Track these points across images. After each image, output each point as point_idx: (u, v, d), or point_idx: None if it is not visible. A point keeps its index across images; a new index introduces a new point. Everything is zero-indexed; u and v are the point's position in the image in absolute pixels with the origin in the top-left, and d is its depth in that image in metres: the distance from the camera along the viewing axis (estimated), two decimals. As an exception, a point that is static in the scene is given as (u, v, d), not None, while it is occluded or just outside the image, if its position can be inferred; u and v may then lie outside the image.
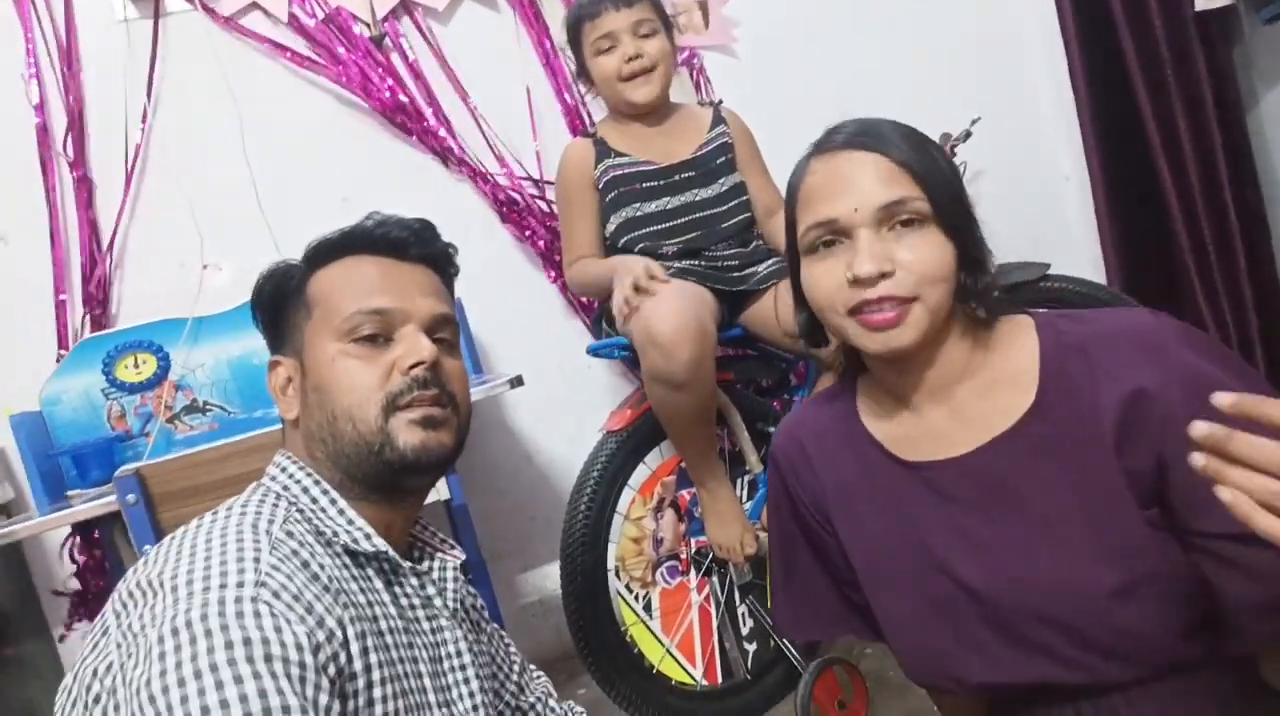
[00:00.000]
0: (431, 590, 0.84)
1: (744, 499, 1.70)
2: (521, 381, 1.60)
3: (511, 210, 2.14)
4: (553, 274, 2.16)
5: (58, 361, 1.88)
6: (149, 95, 1.98)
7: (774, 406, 1.78)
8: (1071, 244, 2.43)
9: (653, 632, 1.65)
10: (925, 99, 2.34)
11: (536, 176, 2.14)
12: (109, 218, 1.96)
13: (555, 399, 2.13)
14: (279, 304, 0.86)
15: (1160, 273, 2.31)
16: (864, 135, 0.85)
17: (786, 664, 1.71)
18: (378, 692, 0.71)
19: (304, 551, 0.72)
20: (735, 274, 1.66)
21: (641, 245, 1.65)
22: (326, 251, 0.86)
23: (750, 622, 1.71)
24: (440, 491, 1.65)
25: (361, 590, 0.75)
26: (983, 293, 0.85)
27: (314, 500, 0.79)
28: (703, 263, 1.66)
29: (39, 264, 1.93)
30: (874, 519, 0.90)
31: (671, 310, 1.45)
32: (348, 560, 0.77)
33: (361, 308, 0.81)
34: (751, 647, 1.71)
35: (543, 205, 2.14)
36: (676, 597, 1.68)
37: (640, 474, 1.67)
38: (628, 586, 1.65)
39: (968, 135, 2.20)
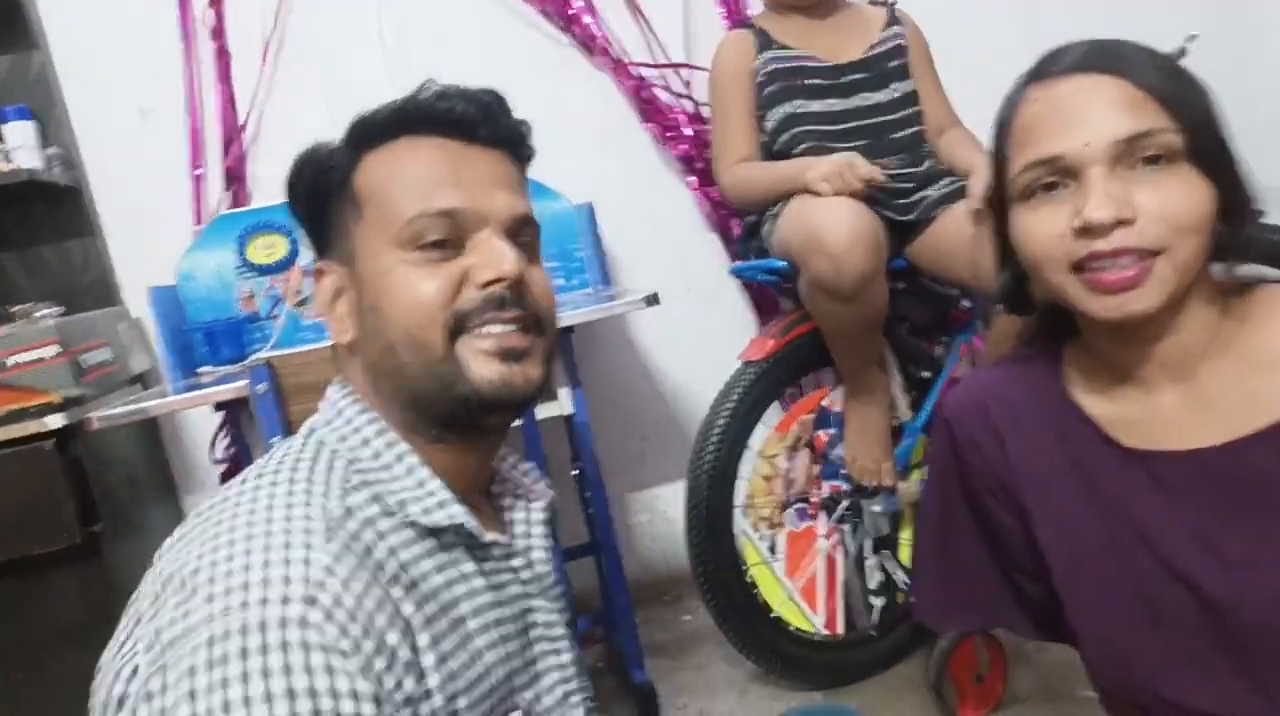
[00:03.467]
0: (519, 561, 0.72)
1: (888, 445, 1.57)
2: (658, 300, 1.48)
3: (654, 109, 1.99)
4: (695, 181, 2.01)
5: (194, 237, 1.87)
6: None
7: (928, 349, 1.62)
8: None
9: (775, 575, 1.56)
10: (1134, 11, 2.04)
11: (684, 72, 1.97)
12: (247, 94, 1.91)
13: (682, 320, 2.01)
14: (321, 197, 0.70)
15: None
16: (1099, 55, 0.69)
17: (914, 622, 1.60)
18: (462, 702, 0.61)
19: (367, 533, 0.60)
20: (904, 201, 1.48)
21: (805, 145, 1.49)
22: (376, 131, 0.69)
23: (880, 576, 1.60)
24: (564, 405, 1.58)
25: (439, 567, 0.63)
26: (1242, 249, 0.70)
27: (376, 455, 0.65)
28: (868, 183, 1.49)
29: (179, 138, 1.90)
30: (1081, 509, 0.77)
31: (843, 216, 1.32)
32: (420, 531, 0.64)
33: (426, 209, 0.65)
34: (879, 602, 1.60)
35: (687, 105, 1.98)
36: (803, 542, 1.58)
37: (776, 408, 1.55)
38: (754, 525, 1.55)
39: (1183, 53, 1.89)
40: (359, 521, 0.60)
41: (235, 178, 1.92)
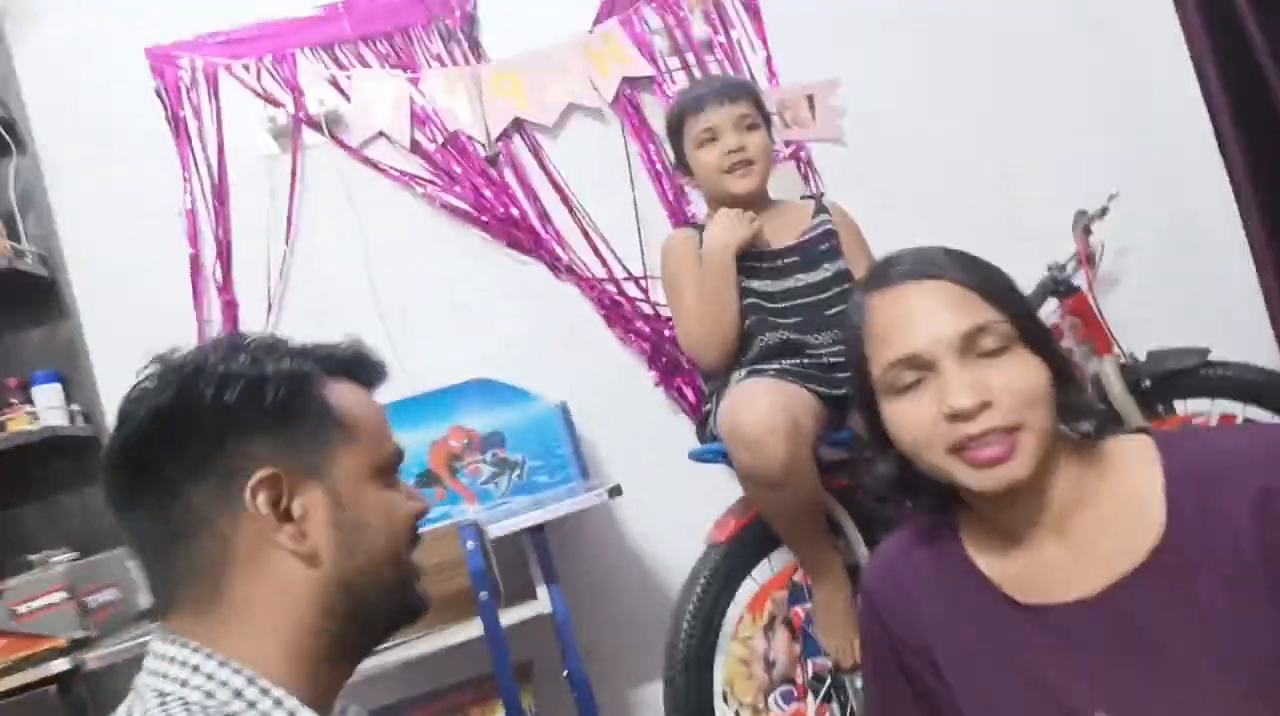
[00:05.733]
0: None
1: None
2: (620, 491, 1.56)
3: (616, 313, 2.16)
4: (655, 375, 2.14)
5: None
6: (288, 224, 2.14)
7: (895, 514, 1.65)
8: (1235, 325, 2.17)
9: (766, 766, 1.52)
10: (1058, 177, 2.22)
11: (641, 274, 2.15)
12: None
13: (661, 504, 2.06)
14: (291, 406, 0.71)
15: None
16: (924, 264, 0.81)
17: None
18: None
19: None
20: (839, 375, 1.58)
21: (750, 319, 1.61)
22: (337, 365, 0.77)
23: (876, 757, 1.55)
24: (543, 603, 1.62)
25: None
26: (1084, 409, 0.80)
27: (251, 704, 0.63)
28: (804, 361, 1.59)
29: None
30: (988, 666, 0.82)
31: (759, 405, 1.40)
32: None
33: (396, 446, 0.79)
34: (879, 785, 1.54)
35: (645, 308, 2.15)
36: (793, 727, 1.55)
37: (748, 588, 1.57)
38: (737, 714, 1.53)
39: (1104, 212, 2.04)
40: None
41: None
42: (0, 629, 1.62)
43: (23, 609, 1.63)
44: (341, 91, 2.14)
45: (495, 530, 1.45)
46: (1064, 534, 0.79)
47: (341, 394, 0.75)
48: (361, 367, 0.79)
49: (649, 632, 2.06)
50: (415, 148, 2.16)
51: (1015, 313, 0.78)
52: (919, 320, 0.78)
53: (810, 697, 1.56)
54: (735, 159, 1.64)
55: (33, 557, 1.91)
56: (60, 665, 1.58)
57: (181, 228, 2.11)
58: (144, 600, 1.93)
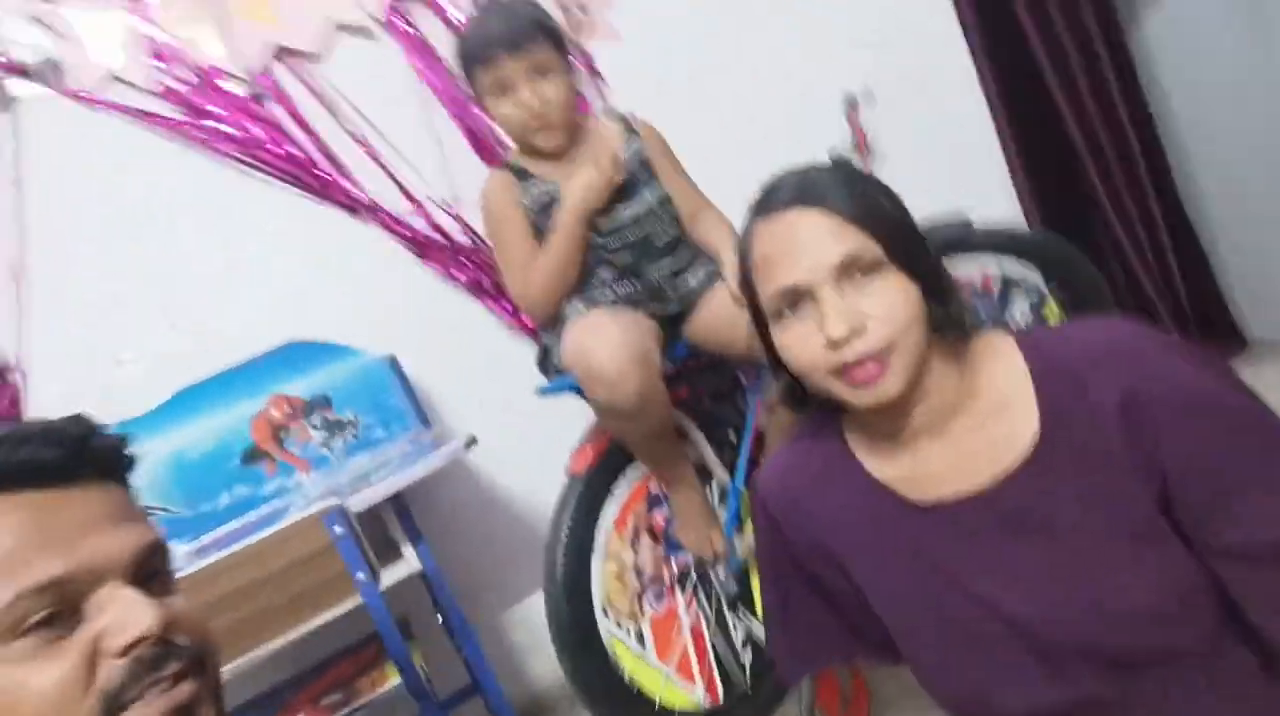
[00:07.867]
0: None
1: (716, 504, 1.71)
2: (475, 441, 1.55)
3: (430, 247, 2.07)
4: (489, 303, 2.10)
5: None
6: (18, 190, 1.84)
7: (731, 411, 1.78)
8: (983, 178, 2.44)
9: (651, 666, 1.65)
10: (819, 61, 2.32)
11: (450, 207, 2.07)
12: (7, 329, 1.84)
13: (514, 435, 2.06)
14: None
15: (1071, 200, 2.37)
16: (803, 192, 0.85)
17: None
18: None
19: None
20: (670, 292, 1.64)
21: (585, 257, 1.60)
22: None
23: (743, 628, 1.73)
24: (411, 563, 1.62)
25: None
26: (955, 318, 0.86)
27: None
28: (640, 284, 1.63)
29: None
30: (893, 564, 0.90)
31: (608, 341, 1.42)
32: None
33: (23, 588, 0.53)
34: (747, 655, 1.73)
35: (463, 239, 2.08)
36: (667, 622, 1.68)
37: (610, 508, 1.65)
38: (618, 624, 1.64)
39: (869, 95, 2.19)
40: None
41: (13, 421, 1.83)
42: None
43: None
44: (57, 33, 1.82)
45: (354, 505, 1.42)
46: (943, 435, 0.86)
47: None
48: (8, 475, 0.56)
49: (520, 557, 2.12)
50: (163, 91, 1.90)
51: (887, 234, 0.82)
52: (796, 252, 0.82)
53: (678, 592, 1.70)
54: (534, 122, 1.55)
55: None
56: None
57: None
58: None
